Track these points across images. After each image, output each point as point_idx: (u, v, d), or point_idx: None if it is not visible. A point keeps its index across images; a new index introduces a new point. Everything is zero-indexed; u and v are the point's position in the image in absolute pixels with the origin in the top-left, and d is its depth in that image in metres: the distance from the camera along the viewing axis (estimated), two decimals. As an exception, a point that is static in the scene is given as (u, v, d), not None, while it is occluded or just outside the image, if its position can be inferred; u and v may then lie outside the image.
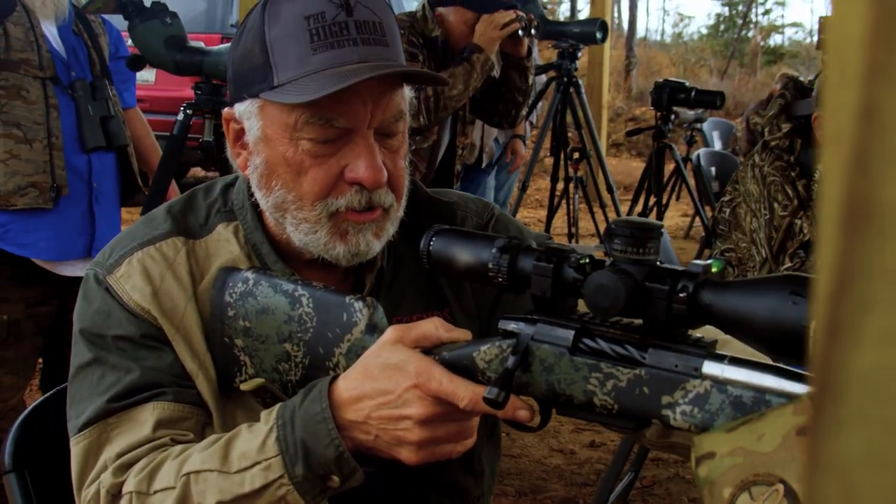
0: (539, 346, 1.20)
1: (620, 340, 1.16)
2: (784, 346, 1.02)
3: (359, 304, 1.38)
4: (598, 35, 5.32)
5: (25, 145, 3.15)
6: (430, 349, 1.29)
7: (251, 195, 1.55)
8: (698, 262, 1.10)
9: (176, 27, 3.25)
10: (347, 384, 1.29)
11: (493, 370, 1.24)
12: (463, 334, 1.31)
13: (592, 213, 6.96)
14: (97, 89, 3.38)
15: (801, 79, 8.21)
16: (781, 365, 1.07)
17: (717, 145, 9.03)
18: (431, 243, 1.29)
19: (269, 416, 1.34)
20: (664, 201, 6.42)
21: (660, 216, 5.88)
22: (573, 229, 6.88)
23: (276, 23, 1.41)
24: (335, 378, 1.32)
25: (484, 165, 5.42)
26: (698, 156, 6.84)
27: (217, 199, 1.59)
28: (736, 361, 1.08)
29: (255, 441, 1.32)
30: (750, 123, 8.70)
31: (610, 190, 6.11)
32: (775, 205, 3.04)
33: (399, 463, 1.30)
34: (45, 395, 1.83)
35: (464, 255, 1.26)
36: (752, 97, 14.44)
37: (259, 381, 1.44)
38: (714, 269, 1.10)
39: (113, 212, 3.58)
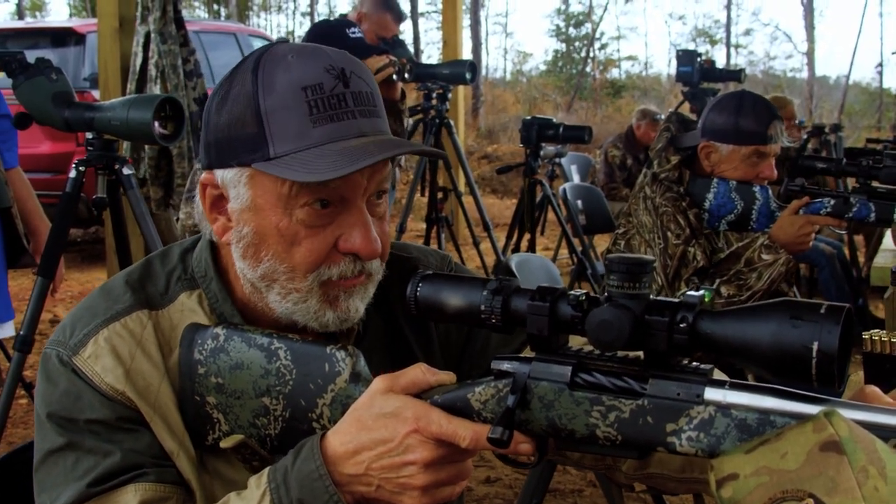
0: (537, 383, 1.23)
1: (619, 373, 1.20)
2: (787, 369, 1.07)
3: (341, 354, 1.38)
4: (468, 75, 5.44)
5: None
6: (419, 395, 1.30)
7: (216, 262, 1.52)
8: (693, 293, 1.15)
9: (62, 83, 3.17)
10: (341, 438, 1.29)
11: (490, 410, 1.26)
12: (448, 377, 1.32)
13: (459, 251, 7.05)
14: None
15: (658, 112, 8.46)
16: (779, 386, 1.12)
17: (576, 178, 9.26)
18: (419, 289, 1.30)
19: (259, 481, 1.32)
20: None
21: (532, 251, 5.98)
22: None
23: (271, 92, 1.37)
24: (324, 434, 1.31)
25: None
26: (564, 189, 7.03)
27: (176, 267, 1.54)
28: (737, 386, 1.14)
29: None
30: (608, 157, 8.97)
31: (487, 228, 6.20)
32: (668, 234, 3.16)
33: None
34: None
35: (454, 298, 1.28)
36: (600, 130, 14.84)
37: (238, 437, 1.41)
38: (706, 300, 1.16)
39: (-1, 275, 3.47)
